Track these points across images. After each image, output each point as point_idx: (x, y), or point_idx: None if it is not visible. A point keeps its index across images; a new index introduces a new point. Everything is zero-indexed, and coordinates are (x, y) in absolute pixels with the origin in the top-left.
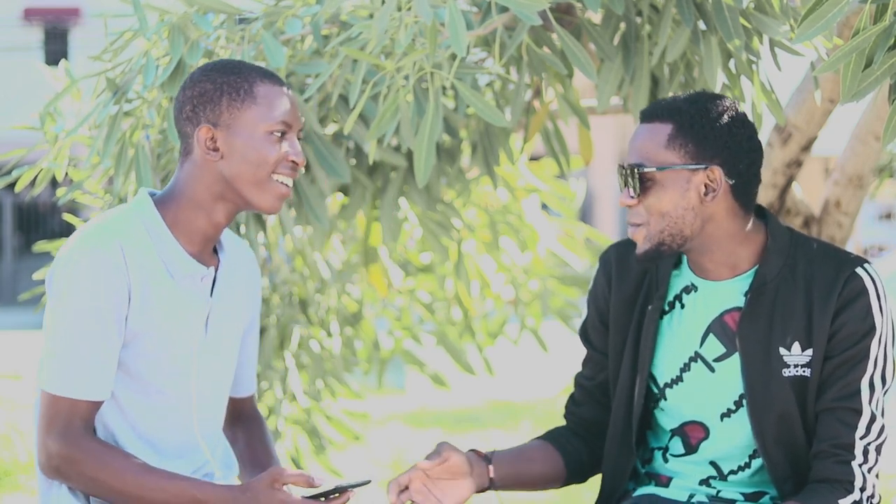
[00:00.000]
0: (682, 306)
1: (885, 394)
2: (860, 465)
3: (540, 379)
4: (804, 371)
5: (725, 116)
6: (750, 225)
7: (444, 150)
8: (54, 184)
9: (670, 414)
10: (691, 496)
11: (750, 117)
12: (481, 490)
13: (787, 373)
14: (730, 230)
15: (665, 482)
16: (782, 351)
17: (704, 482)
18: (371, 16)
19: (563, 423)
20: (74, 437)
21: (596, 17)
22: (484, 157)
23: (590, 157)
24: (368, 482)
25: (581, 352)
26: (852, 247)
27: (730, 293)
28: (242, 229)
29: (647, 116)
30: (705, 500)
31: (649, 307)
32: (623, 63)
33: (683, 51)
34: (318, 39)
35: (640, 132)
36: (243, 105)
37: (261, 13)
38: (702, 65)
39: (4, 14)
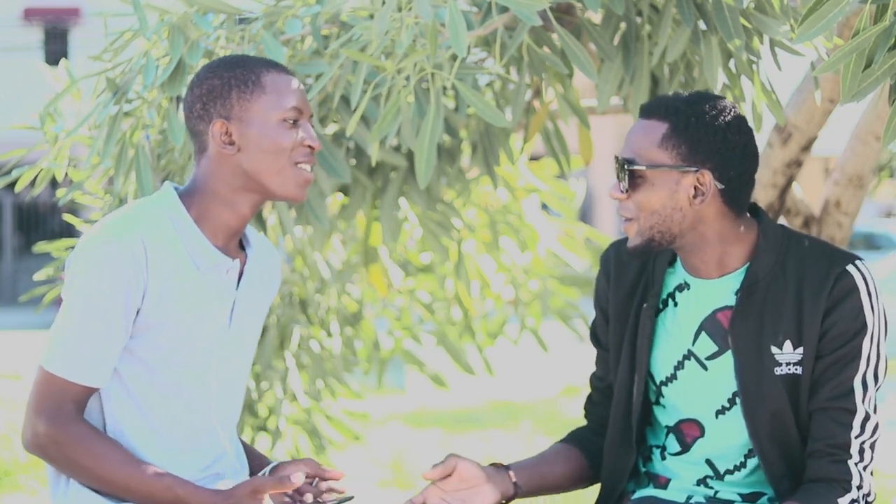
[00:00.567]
0: (676, 304)
1: (877, 391)
2: (856, 464)
3: (540, 379)
4: (796, 369)
5: (722, 121)
6: (742, 224)
7: (445, 150)
8: (54, 184)
9: (668, 411)
10: (689, 498)
11: (750, 117)
12: (508, 498)
13: (779, 371)
14: (721, 231)
15: (664, 483)
16: (774, 349)
17: (702, 482)
18: (371, 16)
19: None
20: (63, 420)
21: (596, 17)
22: (484, 157)
23: (590, 157)
24: (351, 498)
25: (590, 353)
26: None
27: (721, 291)
28: None
29: (646, 112)
30: (703, 501)
31: (645, 305)
32: (623, 63)
33: (683, 51)
34: (318, 40)
35: (637, 127)
36: (253, 96)
37: (261, 13)
38: (702, 65)
39: (4, 14)
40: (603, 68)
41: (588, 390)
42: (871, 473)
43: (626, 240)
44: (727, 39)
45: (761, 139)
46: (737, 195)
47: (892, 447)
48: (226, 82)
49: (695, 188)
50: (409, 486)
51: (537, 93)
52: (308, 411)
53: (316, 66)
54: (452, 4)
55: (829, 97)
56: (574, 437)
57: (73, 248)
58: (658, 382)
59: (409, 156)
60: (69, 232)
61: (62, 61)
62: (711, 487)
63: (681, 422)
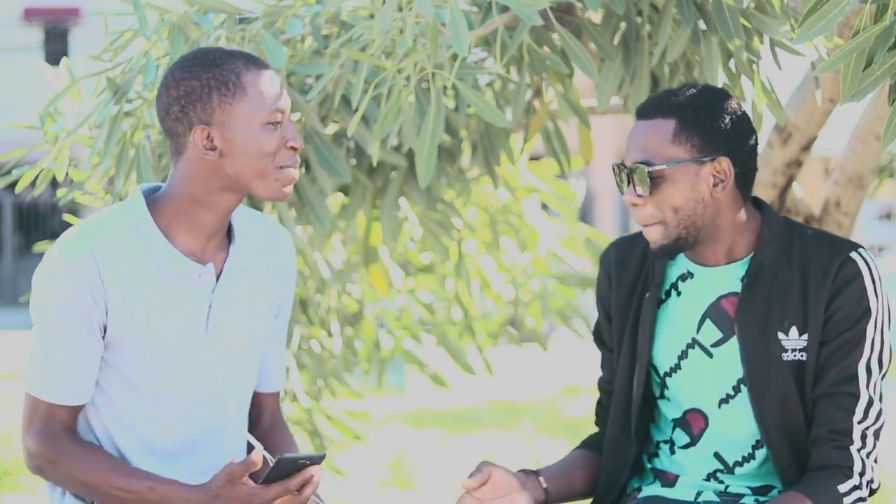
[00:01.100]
0: (679, 294)
1: (882, 378)
2: (859, 450)
3: (540, 379)
4: (801, 356)
5: (725, 106)
6: (748, 213)
7: (445, 149)
8: (54, 184)
9: (673, 403)
10: (699, 494)
11: (750, 117)
12: None
13: (785, 357)
14: (733, 219)
15: (671, 480)
16: (780, 335)
17: (712, 476)
18: (372, 16)
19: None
20: (52, 439)
21: (596, 16)
22: (484, 157)
23: (590, 157)
24: (323, 457)
25: (591, 352)
26: None
27: (726, 279)
28: None
29: (646, 113)
30: (713, 497)
31: (646, 295)
32: (623, 63)
33: (684, 51)
34: (319, 39)
35: (640, 129)
36: (234, 99)
37: (261, 13)
38: (702, 65)
39: (4, 14)
40: (603, 68)
41: (594, 394)
42: (875, 460)
43: (625, 238)
44: (727, 39)
45: (761, 139)
46: (748, 178)
47: (893, 447)
48: (205, 84)
49: (713, 176)
50: (410, 486)
51: (537, 93)
52: (308, 411)
53: (316, 65)
54: (453, 4)
55: (830, 97)
56: (590, 444)
57: None
58: (662, 374)
59: (410, 155)
60: None
61: (63, 61)
62: (722, 482)
63: (686, 412)
